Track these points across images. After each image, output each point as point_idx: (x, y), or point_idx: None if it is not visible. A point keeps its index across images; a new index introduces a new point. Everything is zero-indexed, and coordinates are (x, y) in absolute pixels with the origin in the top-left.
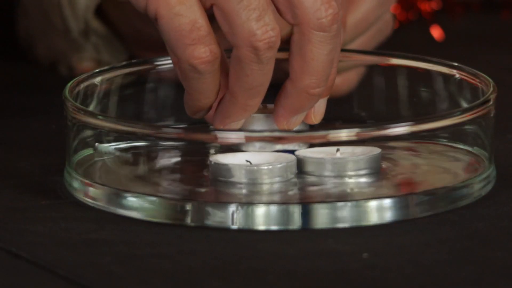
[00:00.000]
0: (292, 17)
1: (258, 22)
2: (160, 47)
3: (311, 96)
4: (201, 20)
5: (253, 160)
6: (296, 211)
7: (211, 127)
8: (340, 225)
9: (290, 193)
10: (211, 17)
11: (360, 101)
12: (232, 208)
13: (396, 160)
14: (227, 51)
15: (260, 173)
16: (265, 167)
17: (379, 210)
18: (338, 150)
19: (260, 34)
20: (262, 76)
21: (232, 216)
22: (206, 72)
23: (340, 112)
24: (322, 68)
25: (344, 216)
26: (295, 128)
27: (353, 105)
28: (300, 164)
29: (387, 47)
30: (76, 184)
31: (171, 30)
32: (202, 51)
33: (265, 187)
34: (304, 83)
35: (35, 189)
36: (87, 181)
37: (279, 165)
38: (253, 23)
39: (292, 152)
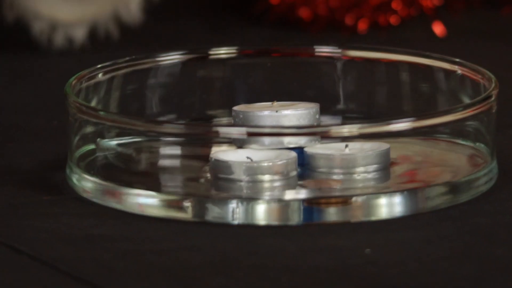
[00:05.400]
0: None
1: None
2: None
3: None
4: None
5: (254, 157)
6: (296, 207)
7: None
8: (349, 220)
9: (291, 189)
10: None
11: (361, 97)
12: (232, 204)
13: (398, 156)
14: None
15: (260, 170)
16: (265, 164)
17: (389, 206)
18: (347, 146)
19: None
20: None
21: (232, 212)
22: None
23: (341, 108)
24: None
25: (353, 211)
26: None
27: (355, 101)
28: (309, 160)
29: (389, 43)
30: (77, 179)
31: None
32: None
33: (266, 184)
34: None
35: (37, 185)
36: (88, 176)
37: (279, 162)
38: None
39: (301, 148)
